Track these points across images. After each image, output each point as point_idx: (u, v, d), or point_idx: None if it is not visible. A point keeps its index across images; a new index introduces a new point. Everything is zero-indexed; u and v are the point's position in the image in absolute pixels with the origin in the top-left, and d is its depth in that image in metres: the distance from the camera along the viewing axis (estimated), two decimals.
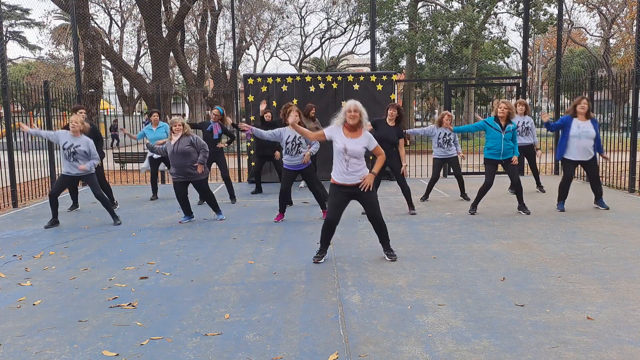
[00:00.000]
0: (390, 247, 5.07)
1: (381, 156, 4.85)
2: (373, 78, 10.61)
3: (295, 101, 10.08)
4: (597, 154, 7.04)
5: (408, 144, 20.71)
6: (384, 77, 10.65)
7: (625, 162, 9.53)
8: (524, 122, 8.48)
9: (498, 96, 28.86)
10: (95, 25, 24.53)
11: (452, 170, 8.27)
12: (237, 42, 20.88)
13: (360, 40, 34.97)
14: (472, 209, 7.09)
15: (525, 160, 9.65)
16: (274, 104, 10.42)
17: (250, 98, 10.68)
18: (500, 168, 7.11)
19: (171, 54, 18.45)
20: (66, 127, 7.44)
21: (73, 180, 6.93)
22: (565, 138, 6.99)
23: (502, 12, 23.52)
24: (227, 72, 28.95)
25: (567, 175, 7.09)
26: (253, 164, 10.31)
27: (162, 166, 8.93)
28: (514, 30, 47.78)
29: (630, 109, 8.78)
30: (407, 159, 13.29)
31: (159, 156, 8.68)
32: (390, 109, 7.01)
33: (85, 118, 7.74)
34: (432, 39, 21.30)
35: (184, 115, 32.23)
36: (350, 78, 10.73)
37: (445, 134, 7.91)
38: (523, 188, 7.11)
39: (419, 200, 8.22)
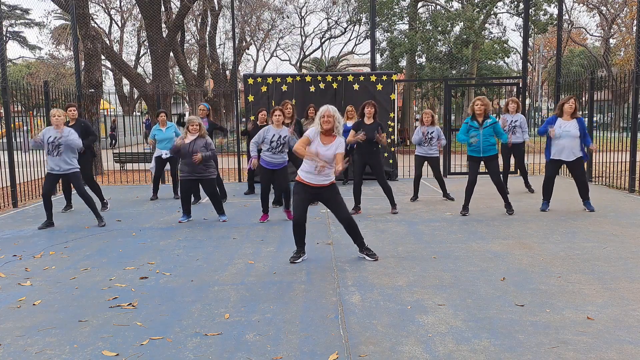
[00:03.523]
0: (366, 245, 5.08)
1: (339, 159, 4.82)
2: (373, 78, 10.61)
3: (294, 101, 10.09)
4: (586, 150, 7.01)
5: (408, 143, 20.73)
6: (384, 77, 10.65)
7: (625, 162, 9.53)
8: (512, 121, 8.48)
9: (498, 96, 28.88)
10: (95, 25, 24.52)
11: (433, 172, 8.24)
12: (237, 42, 20.88)
13: (360, 40, 34.98)
14: (464, 210, 7.05)
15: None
16: (273, 104, 10.42)
17: (250, 98, 10.68)
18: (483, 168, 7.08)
19: (171, 54, 18.45)
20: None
21: (58, 177, 6.84)
22: (550, 138, 6.98)
23: (502, 12, 23.50)
24: (227, 72, 28.94)
25: (547, 174, 7.09)
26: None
27: (167, 166, 8.95)
28: (514, 30, 47.79)
29: (630, 109, 8.78)
30: (405, 159, 13.29)
31: (167, 156, 8.70)
32: (367, 107, 7.01)
33: (74, 115, 7.77)
34: (432, 39, 21.27)
35: (184, 115, 32.21)
36: (350, 78, 10.73)
37: (428, 132, 7.90)
38: (508, 189, 7.09)
39: (409, 200, 8.22)
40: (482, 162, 6.93)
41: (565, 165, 7.08)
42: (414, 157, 8.17)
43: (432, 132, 7.89)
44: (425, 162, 8.11)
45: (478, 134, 6.78)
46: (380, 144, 6.97)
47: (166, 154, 8.67)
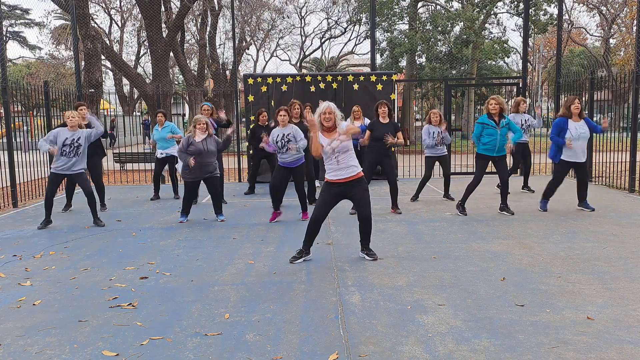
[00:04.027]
0: (369, 247, 5.09)
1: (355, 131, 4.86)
2: (373, 78, 10.61)
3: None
4: (600, 130, 6.99)
5: (408, 143, 20.74)
6: (384, 77, 10.65)
7: (625, 162, 9.53)
8: (524, 120, 8.52)
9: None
10: (95, 25, 24.51)
11: (441, 170, 8.24)
12: (237, 42, 20.87)
13: (360, 40, 34.96)
14: (462, 209, 7.04)
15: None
16: (273, 104, 10.42)
17: (250, 98, 10.68)
18: (490, 168, 7.08)
19: (171, 54, 18.45)
20: (61, 126, 7.45)
21: (63, 177, 6.87)
22: (562, 140, 6.95)
23: (502, 12, 23.51)
24: (227, 72, 28.93)
25: (559, 176, 7.06)
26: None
27: (166, 166, 8.94)
28: (514, 30, 47.77)
29: (630, 109, 8.78)
30: (405, 159, 13.30)
31: (162, 156, 8.68)
32: (381, 107, 7.05)
33: (84, 114, 7.78)
34: (432, 39, 21.28)
35: (183, 115, 32.21)
36: (350, 78, 10.73)
37: (438, 132, 7.91)
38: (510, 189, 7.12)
39: (409, 200, 8.21)
40: (490, 162, 6.93)
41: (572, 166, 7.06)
42: (425, 159, 8.14)
43: (441, 132, 7.93)
44: (436, 163, 8.12)
45: (495, 140, 6.76)
46: (393, 144, 7.03)
47: (161, 153, 8.67)
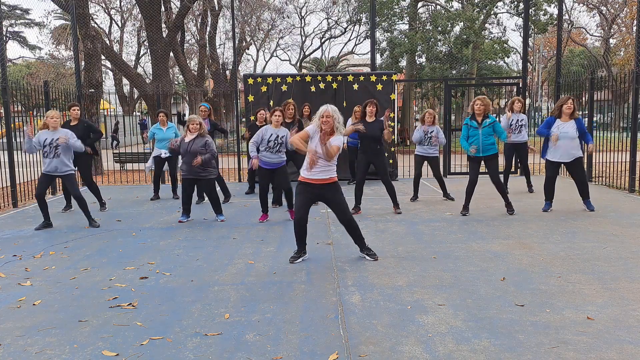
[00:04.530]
0: (367, 246, 5.09)
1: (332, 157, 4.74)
2: (373, 78, 10.61)
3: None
4: (587, 149, 6.98)
5: (408, 143, 20.73)
6: (384, 77, 10.65)
7: (625, 162, 9.53)
8: (518, 120, 8.52)
9: (498, 96, 28.87)
10: (95, 25, 24.51)
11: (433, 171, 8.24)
12: (237, 42, 20.87)
13: (360, 40, 34.98)
14: (464, 210, 7.05)
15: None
16: (272, 103, 10.41)
17: (250, 98, 10.68)
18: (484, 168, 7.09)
19: (171, 54, 18.45)
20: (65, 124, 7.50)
21: (53, 178, 6.83)
22: (547, 138, 7.01)
23: (502, 12, 23.52)
24: (227, 72, 28.93)
25: (547, 175, 7.13)
26: None
27: (165, 166, 8.92)
28: (514, 30, 47.75)
29: (630, 109, 8.78)
30: (405, 159, 13.30)
31: (166, 156, 8.67)
32: (369, 107, 7.02)
33: (77, 115, 7.82)
34: (432, 39, 21.29)
35: (184, 115, 32.16)
36: (350, 78, 10.73)
37: (428, 131, 7.91)
38: (508, 189, 7.13)
39: (409, 200, 8.21)
40: (482, 162, 6.95)
41: (564, 165, 7.10)
42: (414, 157, 8.18)
43: (431, 132, 7.90)
44: (425, 162, 8.12)
45: (477, 140, 6.80)
46: (384, 141, 7.00)
47: (165, 153, 8.65)
